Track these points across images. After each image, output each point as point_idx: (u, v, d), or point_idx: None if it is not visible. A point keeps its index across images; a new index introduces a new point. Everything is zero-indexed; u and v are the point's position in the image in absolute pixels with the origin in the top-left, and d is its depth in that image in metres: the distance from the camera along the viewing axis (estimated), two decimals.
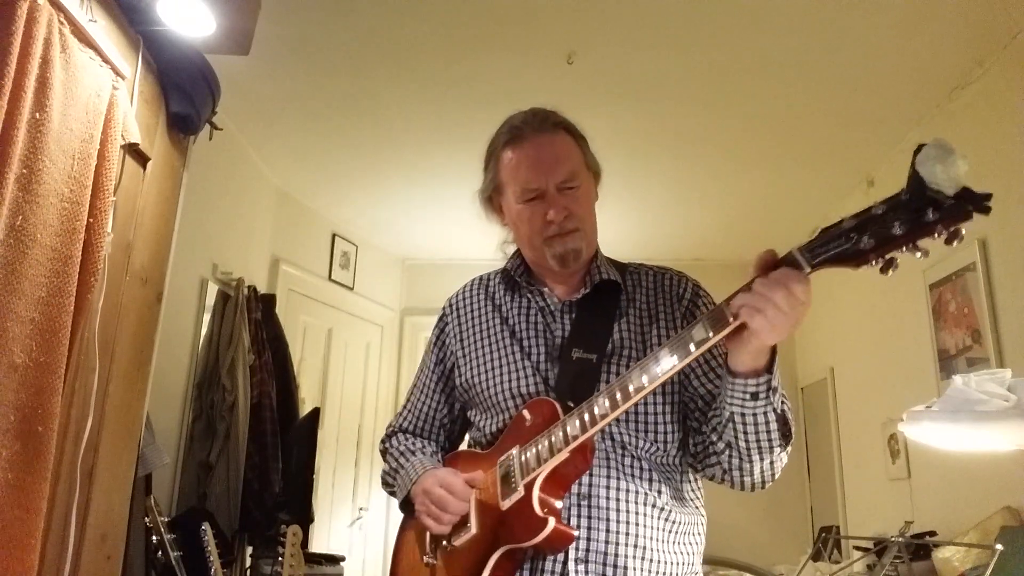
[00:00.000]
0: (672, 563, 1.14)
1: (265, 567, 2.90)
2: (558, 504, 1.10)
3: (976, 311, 2.59)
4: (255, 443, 2.98)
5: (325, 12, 2.46)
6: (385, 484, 1.40)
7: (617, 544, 1.10)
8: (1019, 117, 2.39)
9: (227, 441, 2.88)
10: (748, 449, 1.09)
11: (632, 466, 1.16)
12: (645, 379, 1.02)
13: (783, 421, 1.08)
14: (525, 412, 1.18)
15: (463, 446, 1.42)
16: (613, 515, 1.12)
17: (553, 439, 1.09)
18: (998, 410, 1.58)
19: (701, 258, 4.68)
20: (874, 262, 0.86)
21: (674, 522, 1.16)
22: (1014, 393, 1.60)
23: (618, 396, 1.04)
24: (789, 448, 1.13)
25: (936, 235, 0.82)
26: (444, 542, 1.18)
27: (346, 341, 4.42)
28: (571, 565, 1.09)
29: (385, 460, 1.41)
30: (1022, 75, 2.40)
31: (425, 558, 1.21)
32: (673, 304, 1.27)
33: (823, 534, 3.29)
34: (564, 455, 1.07)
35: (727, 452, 1.12)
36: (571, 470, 1.11)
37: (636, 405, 1.11)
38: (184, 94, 1.89)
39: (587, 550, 1.10)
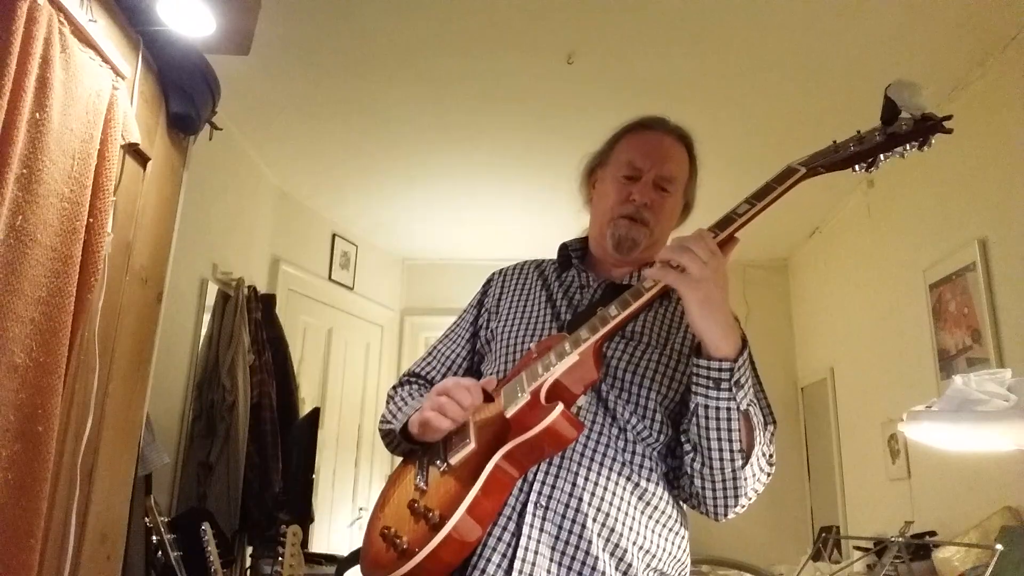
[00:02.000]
0: (635, 543, 1.08)
1: (265, 567, 2.90)
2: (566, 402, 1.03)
3: (976, 311, 2.59)
4: (255, 443, 2.98)
5: (325, 12, 2.46)
6: (382, 423, 1.30)
7: (580, 500, 1.06)
8: (1019, 117, 2.39)
9: (227, 441, 2.88)
10: (710, 450, 1.04)
11: (618, 437, 1.12)
12: (648, 282, 1.03)
13: (748, 427, 1.03)
14: (532, 346, 1.17)
15: None
16: (583, 471, 1.07)
17: (562, 347, 1.06)
18: (998, 410, 1.58)
19: None
20: (859, 167, 1.07)
21: (647, 503, 1.10)
22: (1014, 393, 1.60)
23: (629, 297, 1.04)
24: (758, 470, 1.08)
25: (908, 146, 1.05)
26: (439, 462, 1.07)
27: (346, 341, 4.42)
28: (530, 507, 1.05)
29: (388, 404, 1.33)
30: (1022, 75, 2.40)
31: (417, 479, 1.09)
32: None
33: (823, 534, 3.29)
34: (574, 358, 1.02)
35: (692, 455, 1.08)
36: (579, 377, 1.04)
37: (633, 388, 1.13)
38: (184, 94, 1.90)
39: (549, 497, 1.06)
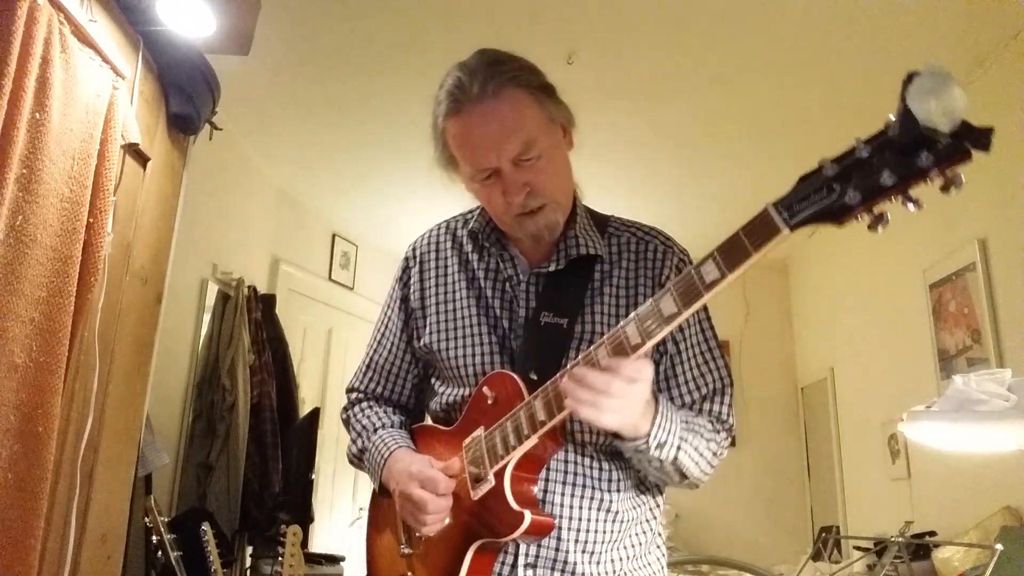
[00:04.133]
0: (623, 558, 1.11)
1: (265, 567, 2.90)
2: (533, 489, 1.05)
3: (976, 311, 2.59)
4: (255, 443, 2.98)
5: (325, 13, 2.46)
6: (353, 461, 1.28)
7: (568, 552, 1.07)
8: (1019, 117, 2.39)
9: (227, 441, 2.88)
10: (654, 478, 1.13)
11: (591, 466, 1.10)
12: (609, 357, 0.92)
13: (678, 470, 1.07)
14: (485, 389, 1.09)
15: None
16: (565, 523, 1.07)
17: (520, 423, 1.00)
18: (998, 410, 1.58)
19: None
20: (860, 217, 0.77)
21: (623, 521, 1.11)
22: (1014, 393, 1.60)
23: None
24: (706, 471, 1.12)
25: (930, 181, 0.72)
26: (417, 532, 1.11)
27: (346, 341, 4.42)
28: (520, 571, 1.06)
29: (348, 431, 1.29)
30: (1022, 75, 2.40)
31: (402, 547, 1.15)
32: (654, 286, 1.15)
33: (823, 534, 3.29)
34: (533, 441, 1.00)
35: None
36: (542, 452, 1.05)
37: None
38: (184, 94, 1.90)
39: (536, 556, 1.07)
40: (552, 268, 1.16)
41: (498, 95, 1.07)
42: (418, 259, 1.30)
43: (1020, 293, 2.39)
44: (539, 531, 1.02)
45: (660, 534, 1.20)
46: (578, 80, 2.80)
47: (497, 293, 1.18)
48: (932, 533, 2.65)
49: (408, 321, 1.28)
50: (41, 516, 1.33)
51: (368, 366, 1.32)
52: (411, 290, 1.28)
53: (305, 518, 3.17)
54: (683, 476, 1.09)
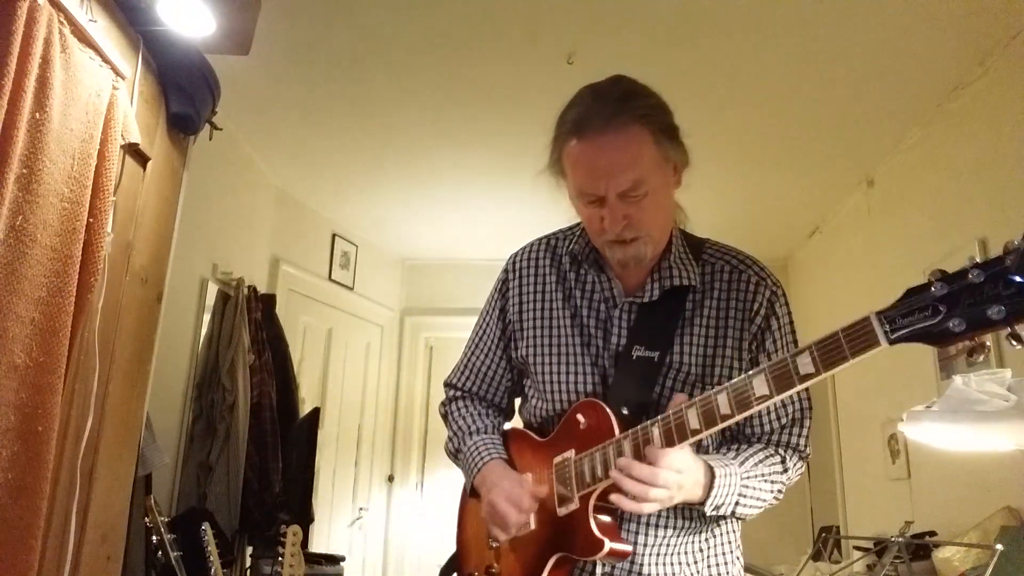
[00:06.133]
0: (694, 572, 1.18)
1: (265, 567, 2.90)
2: (615, 519, 1.13)
3: None
4: (255, 443, 2.98)
5: (325, 12, 2.46)
6: (449, 455, 1.38)
7: (643, 564, 1.14)
8: (1019, 117, 2.39)
9: (227, 441, 2.88)
10: None
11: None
12: (700, 422, 0.98)
13: (738, 517, 1.16)
14: (579, 416, 1.16)
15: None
16: (642, 537, 1.14)
17: (608, 459, 1.07)
18: (998, 410, 1.58)
19: None
20: (962, 344, 0.78)
21: (697, 532, 1.18)
22: (1014, 393, 1.60)
23: (674, 432, 1.01)
24: (770, 501, 1.18)
25: None
26: (493, 537, 1.22)
27: (346, 341, 4.42)
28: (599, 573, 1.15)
29: (447, 425, 1.39)
30: (1022, 75, 2.40)
31: (491, 541, 1.23)
32: (744, 320, 1.18)
33: (823, 534, 3.29)
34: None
35: None
36: None
37: None
38: (184, 94, 1.89)
39: (613, 565, 1.15)
40: (646, 299, 1.20)
41: (621, 130, 1.11)
42: (517, 273, 1.34)
43: None
44: (616, 558, 1.11)
45: (739, 546, 1.26)
46: (578, 80, 2.78)
47: (592, 313, 1.23)
48: (932, 533, 2.65)
49: (505, 330, 1.34)
50: (41, 516, 1.33)
51: (465, 366, 1.40)
52: (509, 302, 1.33)
53: (305, 518, 3.17)
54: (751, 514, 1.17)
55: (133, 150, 1.72)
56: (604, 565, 1.15)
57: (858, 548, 2.85)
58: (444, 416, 1.41)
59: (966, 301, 0.75)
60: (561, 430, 1.20)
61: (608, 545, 1.07)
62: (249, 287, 3.20)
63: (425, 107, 3.05)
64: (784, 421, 1.19)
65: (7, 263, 1.27)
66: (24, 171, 1.30)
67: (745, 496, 1.11)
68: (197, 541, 2.20)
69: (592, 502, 1.09)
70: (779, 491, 1.17)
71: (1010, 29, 2.38)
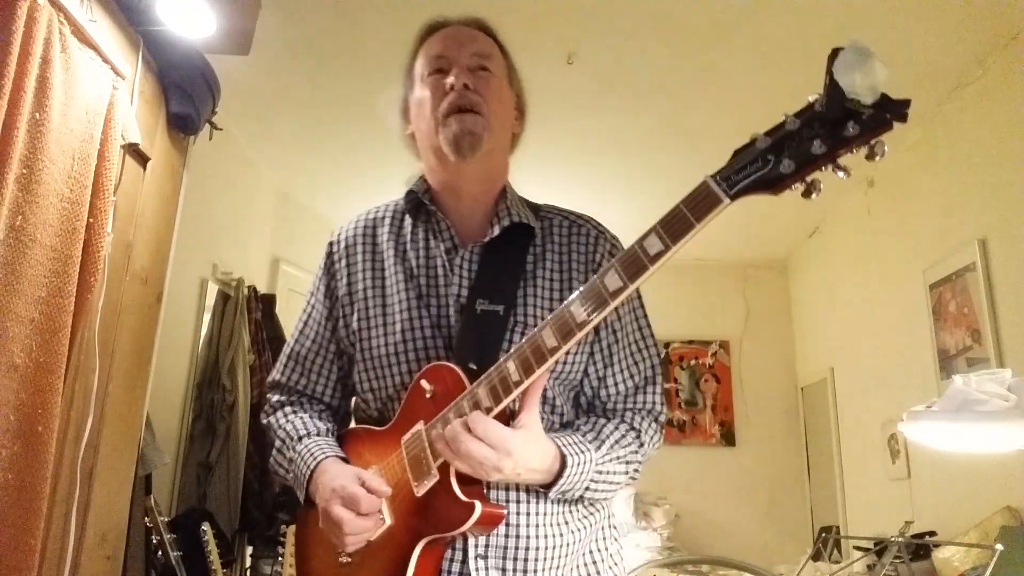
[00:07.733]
0: (572, 542, 1.09)
1: (265, 567, 2.90)
2: (480, 481, 1.01)
3: (976, 311, 2.59)
4: (255, 443, 2.98)
5: (325, 12, 2.46)
6: (277, 472, 1.21)
7: (517, 537, 1.05)
8: (1019, 117, 2.39)
9: (227, 441, 2.88)
10: None
11: None
12: (557, 338, 0.91)
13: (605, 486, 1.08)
14: (423, 382, 1.04)
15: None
16: (513, 507, 1.05)
17: (464, 413, 0.97)
18: (998, 410, 1.58)
19: (701, 258, 4.68)
20: (795, 186, 0.82)
21: (569, 502, 1.10)
22: (1014, 393, 1.60)
23: (531, 358, 0.93)
24: (631, 476, 1.12)
25: (855, 149, 0.78)
26: (339, 550, 1.07)
27: None
28: (471, 563, 1.03)
29: (272, 438, 1.21)
30: (1022, 75, 2.40)
31: (341, 558, 1.08)
32: (587, 272, 1.14)
33: (823, 534, 3.29)
34: None
35: None
36: None
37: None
38: (184, 94, 1.90)
39: (487, 546, 1.04)
40: (487, 238, 1.13)
41: (476, 30, 1.18)
42: (343, 243, 1.23)
43: (1020, 293, 2.39)
44: (490, 522, 1.00)
45: (613, 514, 1.20)
46: (578, 80, 2.80)
47: (430, 267, 1.14)
48: (932, 533, 2.65)
49: (333, 310, 1.21)
50: (41, 516, 1.33)
51: (289, 356, 1.24)
52: (335, 277, 1.21)
53: None
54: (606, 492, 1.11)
55: (133, 150, 1.72)
56: (477, 545, 1.03)
57: (858, 548, 2.85)
58: (267, 428, 1.22)
59: (790, 146, 0.81)
60: (405, 407, 1.07)
61: (479, 507, 0.95)
62: (249, 287, 3.20)
63: None
64: (637, 380, 1.14)
65: (7, 263, 1.27)
66: (24, 171, 1.31)
67: (597, 482, 1.06)
68: (197, 541, 2.20)
69: (453, 469, 0.98)
70: (635, 471, 1.11)
71: (1010, 29, 2.38)
